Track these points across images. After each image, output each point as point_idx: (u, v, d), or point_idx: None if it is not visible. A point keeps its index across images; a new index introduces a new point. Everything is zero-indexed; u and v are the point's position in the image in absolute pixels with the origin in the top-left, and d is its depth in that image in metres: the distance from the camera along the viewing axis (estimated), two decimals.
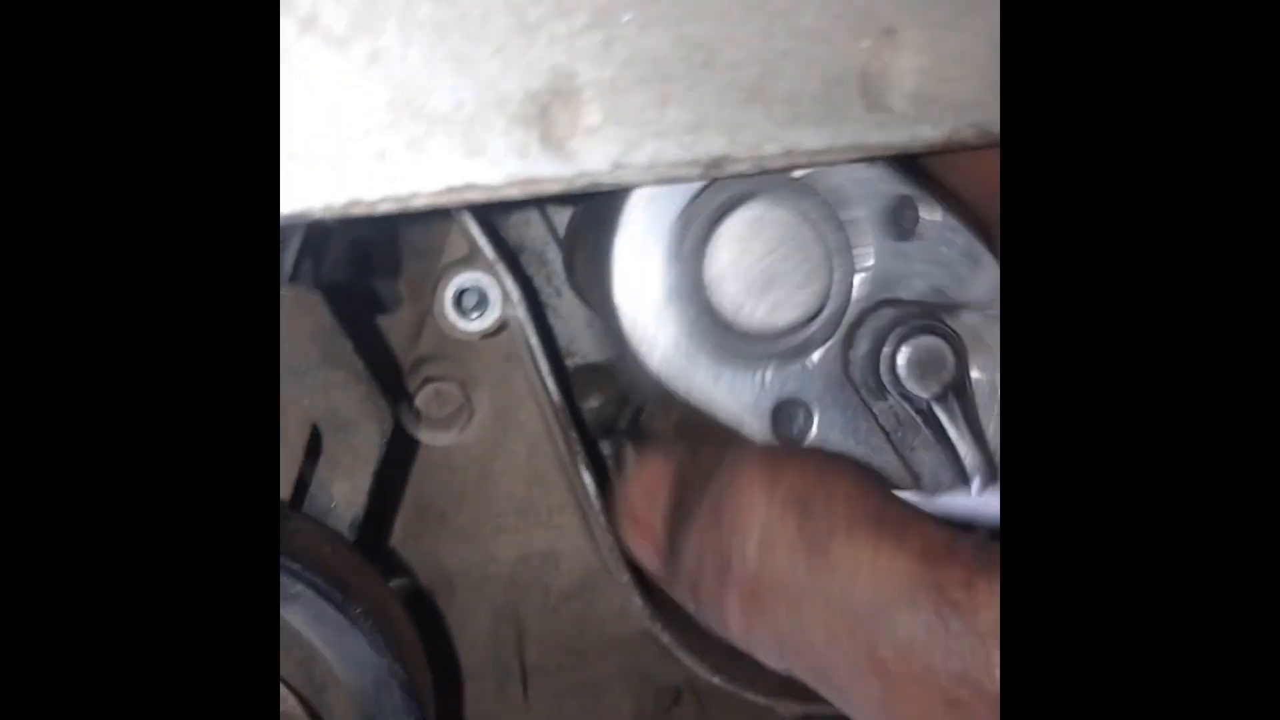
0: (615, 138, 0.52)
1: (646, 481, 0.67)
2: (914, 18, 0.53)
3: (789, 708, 1.01)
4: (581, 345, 1.08)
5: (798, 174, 0.58)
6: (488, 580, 1.06)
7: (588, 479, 0.96)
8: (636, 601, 0.97)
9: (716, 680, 1.00)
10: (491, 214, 0.98)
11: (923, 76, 0.53)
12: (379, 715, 0.77)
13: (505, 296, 0.95)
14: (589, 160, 0.52)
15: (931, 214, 0.61)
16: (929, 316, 0.60)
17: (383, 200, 0.49)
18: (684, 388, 0.62)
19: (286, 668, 0.73)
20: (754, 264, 0.59)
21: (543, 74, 0.51)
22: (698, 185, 0.58)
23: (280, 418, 0.83)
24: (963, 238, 0.62)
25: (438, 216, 0.96)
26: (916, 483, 0.63)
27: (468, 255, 0.96)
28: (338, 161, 0.49)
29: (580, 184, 0.52)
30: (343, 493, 0.87)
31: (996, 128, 0.54)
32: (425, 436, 1.02)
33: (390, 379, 0.97)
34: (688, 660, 1.00)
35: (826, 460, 0.57)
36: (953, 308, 0.61)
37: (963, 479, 0.63)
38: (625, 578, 0.96)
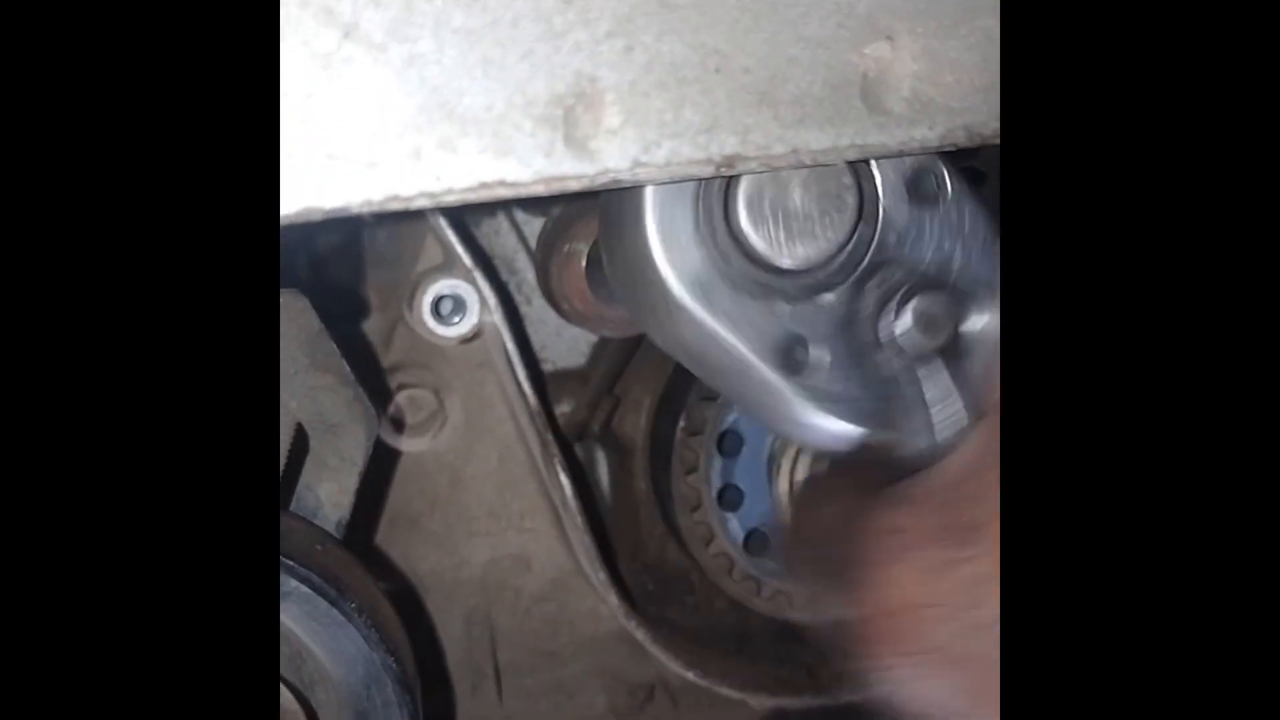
0: (634, 138, 0.55)
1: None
2: (911, 26, 0.57)
3: (760, 701, 1.04)
4: (552, 352, 1.10)
5: None
6: (460, 583, 1.07)
7: (565, 481, 0.98)
8: (612, 600, 0.99)
9: (690, 676, 1.02)
10: (465, 222, 1.00)
11: (919, 81, 0.57)
12: (370, 712, 0.78)
13: (483, 303, 0.98)
14: (610, 159, 0.54)
15: (954, 189, 0.64)
16: (935, 279, 0.64)
17: (418, 196, 0.52)
18: (702, 313, 0.63)
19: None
20: (783, 196, 0.61)
21: (567, 78, 0.53)
22: None
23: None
24: (979, 221, 0.65)
25: (408, 224, 0.98)
26: (895, 436, 0.65)
27: (443, 262, 0.98)
28: (376, 160, 0.51)
29: (601, 181, 0.55)
30: (329, 494, 0.88)
31: (987, 130, 0.58)
32: (398, 442, 1.03)
33: (366, 385, 0.99)
34: (661, 657, 1.02)
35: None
36: (957, 283, 0.64)
37: (930, 445, 0.64)
38: (602, 575, 0.99)
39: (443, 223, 0.95)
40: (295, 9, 0.50)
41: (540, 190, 0.54)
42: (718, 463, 0.98)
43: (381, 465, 0.98)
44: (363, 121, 0.51)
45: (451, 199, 0.52)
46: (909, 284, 0.63)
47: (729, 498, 0.98)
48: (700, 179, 0.58)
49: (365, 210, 0.51)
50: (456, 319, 0.99)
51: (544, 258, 1.01)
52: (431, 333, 0.98)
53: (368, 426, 0.87)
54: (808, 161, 0.57)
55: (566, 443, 1.05)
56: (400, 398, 1.05)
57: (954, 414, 0.63)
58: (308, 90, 0.50)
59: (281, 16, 0.49)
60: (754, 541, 1.00)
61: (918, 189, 0.63)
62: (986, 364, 0.60)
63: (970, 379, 0.63)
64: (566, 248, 0.97)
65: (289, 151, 0.50)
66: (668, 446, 1.01)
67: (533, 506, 1.07)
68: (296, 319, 0.84)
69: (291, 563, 0.76)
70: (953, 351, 0.63)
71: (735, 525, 0.99)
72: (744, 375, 0.64)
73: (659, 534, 1.05)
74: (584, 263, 0.96)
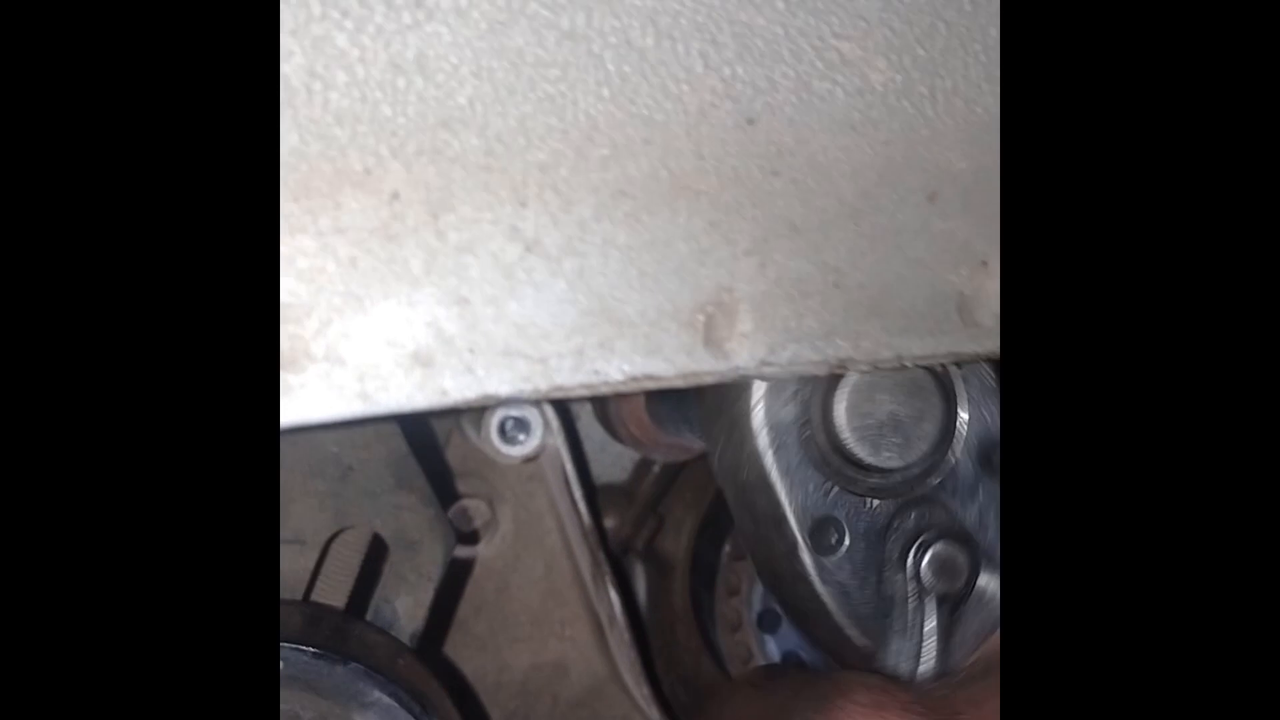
0: (762, 342, 0.62)
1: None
2: (996, 246, 0.65)
3: None
4: (597, 466, 1.17)
5: None
6: (501, 687, 1.12)
7: (614, 596, 1.04)
8: (654, 714, 1.05)
9: None
10: None
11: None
12: None
13: (545, 424, 1.04)
14: (741, 358, 0.62)
15: None
16: (967, 536, 0.71)
17: (578, 388, 0.59)
18: (769, 456, 0.69)
19: None
20: (883, 403, 0.68)
21: (709, 289, 0.61)
22: None
23: (354, 535, 0.90)
24: None
25: None
26: (873, 655, 0.72)
27: None
28: (546, 357, 0.58)
29: (731, 377, 0.62)
30: (406, 607, 0.94)
31: None
32: (460, 552, 1.09)
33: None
34: None
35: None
36: (982, 546, 0.72)
37: (910, 674, 0.71)
38: (645, 689, 1.05)
39: None
40: (488, 225, 0.57)
41: (679, 383, 0.61)
42: (759, 587, 1.04)
43: (451, 578, 1.03)
44: (537, 323, 0.58)
45: (605, 390, 0.59)
46: (943, 528, 0.70)
47: (768, 621, 1.04)
48: (817, 374, 0.66)
49: (532, 398, 0.58)
50: (521, 438, 1.05)
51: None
52: (497, 451, 1.05)
53: (445, 544, 0.93)
54: (909, 364, 0.64)
55: (615, 558, 1.11)
56: (456, 507, 1.11)
57: (934, 656, 0.70)
58: (492, 294, 0.58)
59: (474, 233, 0.57)
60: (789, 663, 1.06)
61: (987, 459, 0.71)
62: (981, 623, 0.69)
63: (959, 631, 0.70)
64: None
65: (473, 346, 0.57)
66: (708, 567, 1.08)
67: (574, 616, 1.13)
68: (386, 442, 0.91)
69: (379, 675, 0.81)
70: (956, 606, 0.71)
71: (773, 647, 1.05)
72: (776, 529, 0.70)
73: (695, 649, 1.11)
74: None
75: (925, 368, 0.68)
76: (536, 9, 0.57)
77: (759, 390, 0.68)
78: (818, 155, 0.62)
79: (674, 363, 0.60)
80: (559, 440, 1.04)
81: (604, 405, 1.08)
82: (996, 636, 0.71)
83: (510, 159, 0.58)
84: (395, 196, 0.56)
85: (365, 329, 0.57)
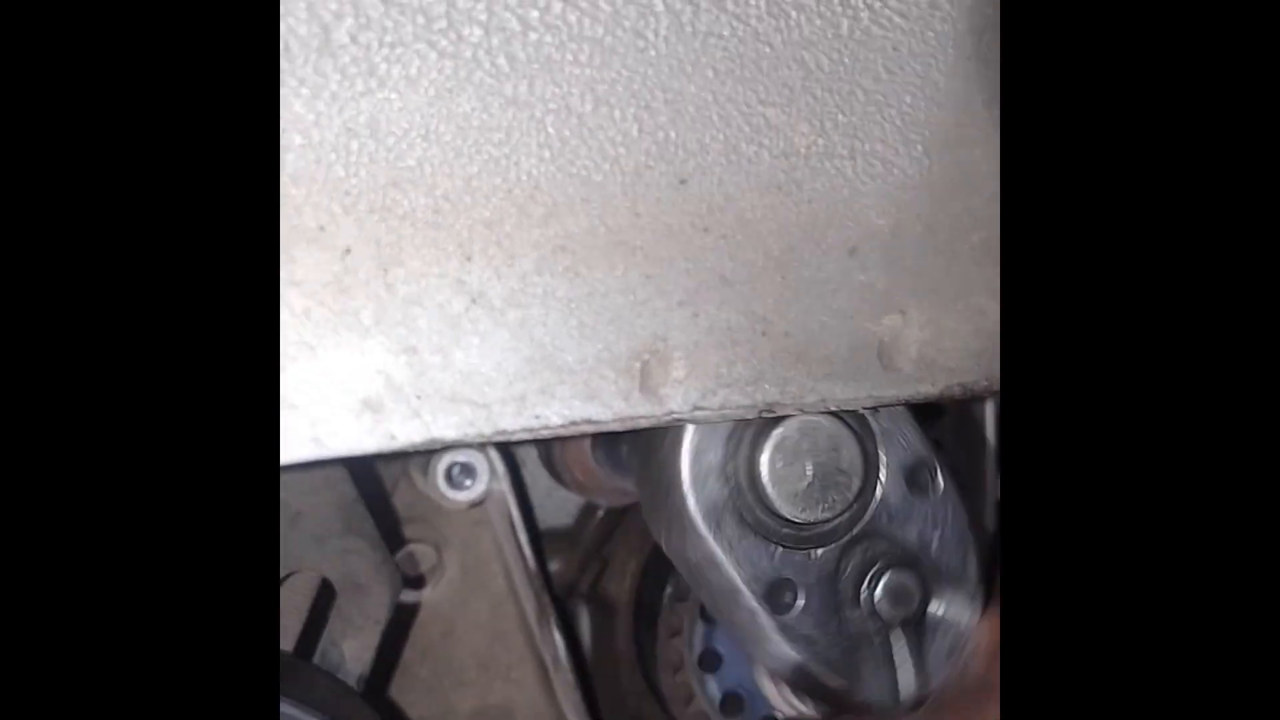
0: (695, 387, 0.66)
1: None
2: (919, 302, 0.69)
3: None
4: (542, 512, 1.19)
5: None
6: None
7: (558, 639, 1.07)
8: None
9: None
10: None
11: (924, 346, 0.70)
12: None
13: (491, 471, 1.07)
14: (675, 403, 0.66)
15: (944, 485, 0.76)
16: (912, 559, 0.75)
17: (519, 432, 0.62)
18: (710, 539, 0.72)
19: None
20: (802, 462, 0.72)
21: (645, 338, 0.65)
22: None
23: (302, 579, 0.92)
24: (960, 517, 0.77)
25: None
26: (850, 691, 0.75)
27: None
28: (489, 402, 0.61)
29: (665, 420, 0.66)
30: (352, 650, 0.96)
31: (978, 386, 0.71)
32: (406, 597, 1.10)
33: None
34: None
35: None
36: (930, 565, 0.76)
37: (892, 703, 0.76)
38: None
39: None
40: (435, 279, 0.61)
41: (617, 427, 0.64)
42: (700, 628, 1.07)
43: (397, 622, 1.05)
44: (481, 371, 0.61)
45: (546, 434, 0.63)
46: (888, 557, 0.74)
47: (709, 660, 1.07)
48: (746, 418, 0.69)
49: (474, 442, 0.61)
50: (467, 484, 1.08)
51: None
52: (444, 496, 1.07)
53: (392, 588, 0.95)
54: (833, 408, 0.69)
55: (560, 602, 1.14)
56: (403, 552, 1.13)
57: (912, 682, 0.74)
58: (438, 343, 0.61)
59: (421, 286, 0.60)
60: (729, 703, 1.09)
61: (914, 479, 0.75)
62: (947, 640, 0.73)
63: (931, 657, 0.74)
64: None
65: (421, 393, 0.60)
66: (651, 609, 1.10)
67: (519, 659, 1.15)
68: (335, 487, 0.93)
69: (325, 717, 0.83)
70: (919, 628, 0.74)
71: (714, 687, 1.08)
72: (733, 600, 0.74)
73: (638, 691, 1.13)
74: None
75: (838, 417, 0.72)
76: (482, 77, 0.61)
77: (687, 476, 0.72)
78: (746, 213, 0.67)
79: (611, 408, 0.64)
80: (505, 485, 1.07)
81: (549, 450, 1.11)
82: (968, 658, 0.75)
83: (456, 216, 0.61)
84: (347, 252, 0.60)
85: (317, 376, 0.60)
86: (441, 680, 1.14)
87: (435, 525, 1.13)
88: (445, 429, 0.60)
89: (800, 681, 0.76)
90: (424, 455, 1.08)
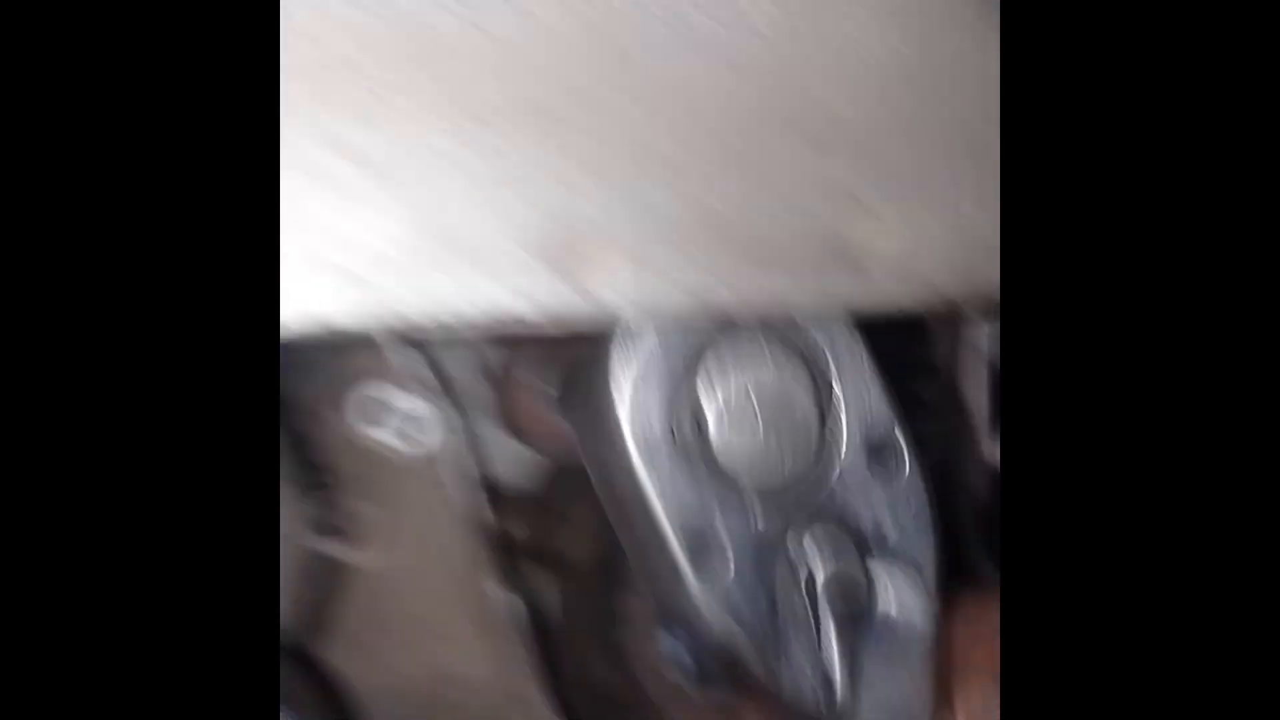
0: (632, 281, 0.59)
1: None
2: (896, 204, 0.62)
3: None
4: (501, 473, 1.12)
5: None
6: (400, 699, 1.07)
7: (515, 601, 0.99)
8: None
9: None
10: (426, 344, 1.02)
11: (901, 253, 0.62)
12: None
13: (444, 424, 1.00)
14: (608, 297, 0.58)
15: (909, 469, 0.68)
16: (865, 548, 0.67)
17: (424, 320, 0.54)
18: (643, 472, 0.65)
19: None
20: (756, 417, 0.65)
21: (574, 224, 0.58)
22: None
23: None
24: (922, 506, 0.69)
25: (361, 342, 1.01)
26: (770, 683, 0.67)
27: (407, 383, 1.00)
28: (385, 283, 0.54)
29: (599, 319, 0.58)
30: None
31: (964, 302, 0.63)
32: (344, 555, 1.03)
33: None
34: None
35: None
36: (883, 553, 0.67)
37: (819, 706, 0.67)
38: (546, 696, 1.00)
39: (409, 347, 0.97)
40: (322, 143, 0.53)
41: (547, 326, 0.57)
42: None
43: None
44: (374, 247, 0.54)
45: (458, 326, 0.55)
46: (838, 542, 0.66)
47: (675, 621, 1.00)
48: (696, 323, 0.62)
49: (373, 326, 0.53)
50: (418, 439, 1.00)
51: (504, 383, 1.04)
52: (393, 451, 1.00)
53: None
54: (795, 316, 0.61)
55: (518, 564, 1.07)
56: (349, 510, 1.06)
57: (845, 684, 0.65)
58: (325, 216, 0.53)
59: (303, 149, 0.53)
60: (697, 664, 1.01)
61: (878, 456, 0.67)
62: (894, 649, 0.65)
63: (871, 662, 0.65)
64: (530, 373, 1.00)
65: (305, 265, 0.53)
66: (615, 568, 1.03)
67: (478, 625, 1.08)
68: None
69: None
70: (862, 627, 0.66)
71: (679, 648, 1.00)
72: (657, 550, 0.67)
73: (602, 654, 1.06)
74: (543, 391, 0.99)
75: (803, 365, 0.63)
76: None
77: (627, 398, 0.64)
78: (695, 92, 0.59)
79: (533, 300, 0.56)
80: (459, 440, 1.00)
81: (504, 403, 1.04)
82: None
83: (353, 76, 0.54)
84: None
85: None
86: (395, 648, 1.07)
87: (383, 483, 1.06)
88: (332, 310, 0.53)
89: (711, 660, 0.67)
90: (366, 405, 1.01)
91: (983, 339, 0.79)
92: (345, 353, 1.02)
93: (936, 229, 0.62)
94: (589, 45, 0.57)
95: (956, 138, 0.64)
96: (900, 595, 0.68)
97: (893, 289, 0.62)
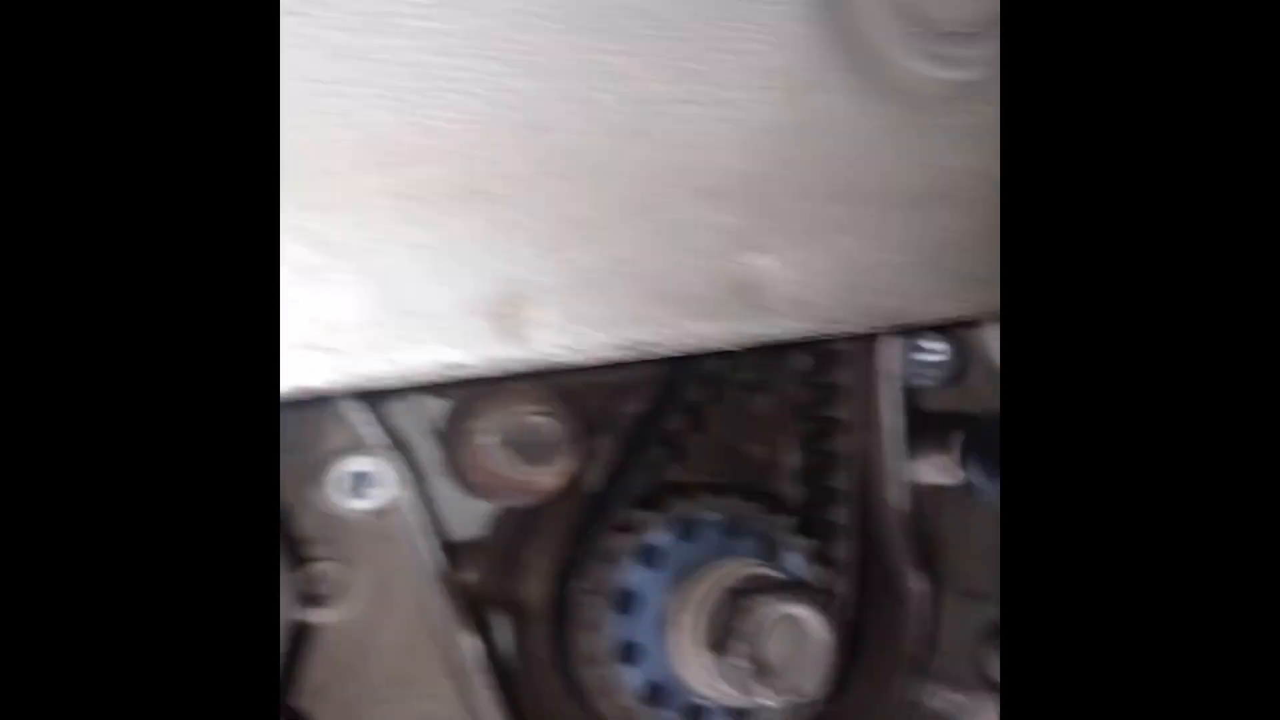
0: (562, 329, 0.66)
1: None
2: (785, 242, 0.70)
3: None
4: (453, 524, 1.17)
5: None
6: None
7: (472, 647, 1.05)
8: None
9: None
10: (373, 404, 1.08)
11: (793, 285, 0.71)
12: None
13: (396, 479, 1.05)
14: (543, 345, 0.66)
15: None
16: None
17: (388, 378, 0.61)
18: None
19: None
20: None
21: (506, 283, 0.65)
22: None
23: None
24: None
25: (315, 406, 1.06)
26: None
27: (356, 442, 1.05)
28: (352, 350, 0.61)
29: (535, 364, 0.66)
30: None
31: (851, 326, 0.72)
32: (306, 615, 1.08)
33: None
34: None
35: None
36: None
37: None
38: None
39: (355, 404, 1.03)
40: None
41: (485, 372, 0.64)
42: (615, 619, 1.05)
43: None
44: (338, 320, 0.61)
45: (415, 380, 0.62)
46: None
47: (628, 652, 1.05)
48: (622, 360, 0.70)
49: (344, 391, 0.60)
50: (370, 495, 1.06)
51: (451, 436, 1.10)
52: (345, 509, 1.05)
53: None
54: (708, 348, 0.69)
55: (473, 610, 1.12)
56: (310, 570, 1.10)
57: None
58: (292, 296, 0.61)
59: None
60: (651, 693, 1.07)
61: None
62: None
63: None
64: (474, 424, 1.06)
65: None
66: (568, 607, 1.09)
67: (437, 672, 1.12)
68: None
69: None
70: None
71: (636, 677, 1.06)
72: None
73: (556, 691, 1.11)
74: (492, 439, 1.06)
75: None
76: (317, 32, 0.61)
77: None
78: (602, 159, 0.68)
79: (477, 352, 0.64)
80: (410, 494, 1.05)
81: (452, 455, 1.10)
82: None
83: (298, 166, 0.61)
84: None
85: None
86: (359, 700, 1.11)
87: (342, 543, 1.11)
88: (308, 376, 0.60)
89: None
90: (320, 467, 1.06)
91: (893, 360, 0.88)
92: (302, 419, 1.07)
93: (824, 262, 0.71)
94: (512, 129, 0.65)
95: (835, 181, 0.73)
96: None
97: (792, 320, 0.71)
